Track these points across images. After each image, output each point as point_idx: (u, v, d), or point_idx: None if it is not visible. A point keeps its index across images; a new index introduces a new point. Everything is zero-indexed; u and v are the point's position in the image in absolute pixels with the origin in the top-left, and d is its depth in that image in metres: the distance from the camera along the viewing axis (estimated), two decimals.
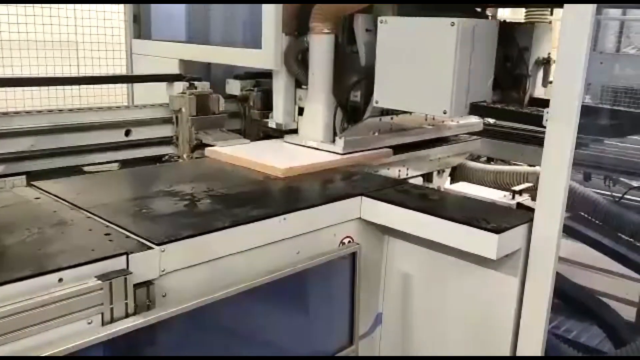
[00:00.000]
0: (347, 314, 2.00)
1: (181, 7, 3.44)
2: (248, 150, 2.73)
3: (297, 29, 2.85)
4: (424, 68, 2.40)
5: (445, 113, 2.38)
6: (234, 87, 3.66)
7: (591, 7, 1.71)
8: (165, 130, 3.11)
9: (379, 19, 2.39)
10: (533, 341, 1.92)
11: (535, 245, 1.93)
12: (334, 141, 2.75)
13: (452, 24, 2.20)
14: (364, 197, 2.21)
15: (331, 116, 2.83)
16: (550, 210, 1.89)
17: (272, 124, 3.04)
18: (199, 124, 3.03)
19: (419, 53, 2.37)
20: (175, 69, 3.56)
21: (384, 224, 2.16)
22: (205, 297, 1.58)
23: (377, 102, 2.58)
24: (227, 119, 3.08)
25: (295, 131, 3.04)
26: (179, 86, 3.20)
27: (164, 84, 3.50)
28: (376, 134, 2.87)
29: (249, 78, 3.41)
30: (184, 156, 3.04)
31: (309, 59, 2.81)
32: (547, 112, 1.90)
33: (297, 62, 2.90)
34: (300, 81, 2.95)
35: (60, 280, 1.41)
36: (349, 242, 2.17)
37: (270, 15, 2.89)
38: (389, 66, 2.52)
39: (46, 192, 2.00)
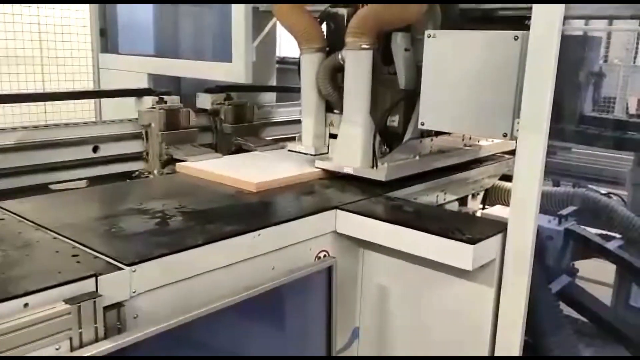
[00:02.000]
0: (324, 329, 2.07)
1: (149, 20, 3.71)
2: (220, 164, 2.78)
3: (323, 44, 2.87)
4: (480, 86, 2.33)
5: (505, 136, 2.29)
6: (204, 100, 3.74)
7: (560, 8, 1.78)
8: (135, 146, 3.28)
9: (427, 32, 2.35)
10: (510, 351, 2.01)
11: (510, 255, 2.01)
12: (374, 166, 2.70)
13: (516, 38, 2.14)
14: (338, 211, 2.27)
15: (370, 140, 2.71)
16: (523, 219, 1.96)
17: (299, 148, 3.00)
18: (169, 139, 3.19)
19: (474, 69, 2.29)
20: (144, 83, 3.93)
21: (359, 237, 2.24)
22: (178, 318, 1.60)
23: (422, 124, 2.51)
24: (198, 133, 3.29)
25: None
26: (149, 101, 3.53)
27: (132, 99, 3.62)
28: (417, 157, 2.84)
29: (220, 91, 3.76)
30: (155, 172, 3.38)
31: (345, 77, 2.72)
32: (518, 122, 1.98)
33: (330, 82, 2.84)
34: (330, 104, 2.93)
35: (26, 305, 1.43)
36: (325, 256, 2.24)
37: (240, 26, 3.25)
38: (438, 84, 2.44)
39: (10, 212, 2.06)
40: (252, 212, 2.23)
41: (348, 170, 2.78)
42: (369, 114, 2.74)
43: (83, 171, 2.98)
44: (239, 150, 3.24)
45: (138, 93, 3.40)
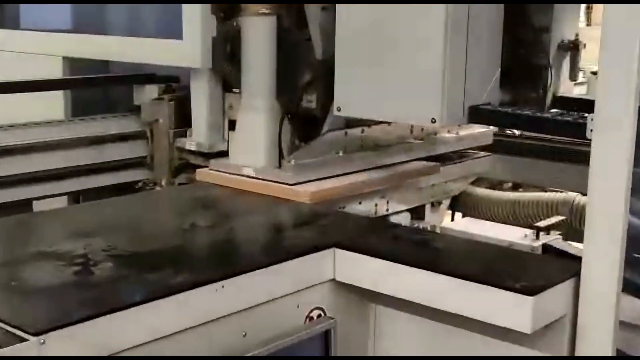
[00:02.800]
0: None
1: None
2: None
3: (223, 9, 2.65)
4: (403, 63, 2.25)
5: (434, 122, 2.21)
6: (147, 94, 3.21)
7: None
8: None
9: None
10: None
11: (587, 309, 1.63)
12: (280, 166, 2.64)
13: (439, 9, 2.06)
14: (337, 250, 1.99)
15: (276, 130, 2.62)
16: (604, 256, 1.59)
17: (190, 145, 2.87)
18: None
19: (396, 44, 2.21)
20: (57, 70, 3.15)
21: (369, 288, 1.93)
22: None
23: (338, 110, 2.44)
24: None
25: (225, 154, 2.87)
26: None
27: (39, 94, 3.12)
28: (340, 153, 2.76)
29: (166, 81, 3.16)
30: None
31: (242, 51, 2.63)
32: (592, 119, 1.63)
33: (226, 56, 2.68)
34: (229, 83, 2.80)
35: None
36: (320, 315, 1.90)
37: None
38: (354, 61, 2.36)
39: None
40: (213, 252, 2.11)
41: (247, 171, 2.68)
42: (274, 97, 2.65)
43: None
44: (185, 166, 3.02)
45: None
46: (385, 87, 2.36)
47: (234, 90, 2.86)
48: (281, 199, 2.60)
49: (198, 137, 2.93)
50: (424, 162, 3.06)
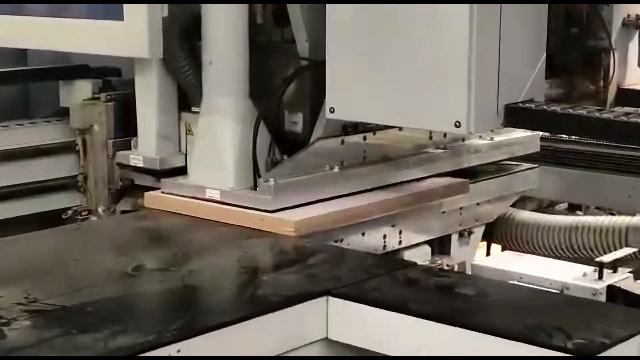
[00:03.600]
0: None
1: None
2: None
3: None
4: (415, 53, 2.40)
5: (458, 126, 2.34)
6: (78, 93, 3.30)
7: None
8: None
9: None
10: None
11: None
12: (255, 187, 2.76)
13: None
14: (331, 298, 2.07)
15: (249, 139, 2.78)
16: None
17: (135, 160, 3.03)
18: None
19: (405, 29, 2.38)
20: None
21: (373, 349, 2.00)
22: None
23: (331, 112, 2.58)
24: None
25: (182, 171, 3.00)
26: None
27: None
28: (336, 168, 2.87)
29: (97, 76, 3.35)
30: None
31: (202, 39, 2.79)
32: None
33: (182, 46, 2.84)
34: (184, 86, 2.98)
35: None
36: None
37: None
38: (352, 53, 2.51)
39: None
40: (168, 305, 2.17)
41: (212, 194, 2.79)
42: (247, 96, 2.79)
43: None
44: (129, 188, 3.13)
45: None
46: (394, 82, 2.47)
47: (193, 109, 2.99)
48: (257, 231, 2.64)
49: (146, 149, 3.02)
50: (449, 179, 3.10)
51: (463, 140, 3.22)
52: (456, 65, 2.36)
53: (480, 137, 3.27)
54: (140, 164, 3.02)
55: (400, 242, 2.96)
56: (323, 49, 2.64)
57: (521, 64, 2.50)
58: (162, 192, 2.92)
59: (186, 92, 3.03)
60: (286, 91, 2.87)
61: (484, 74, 2.38)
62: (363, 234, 2.85)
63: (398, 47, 2.46)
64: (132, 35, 2.83)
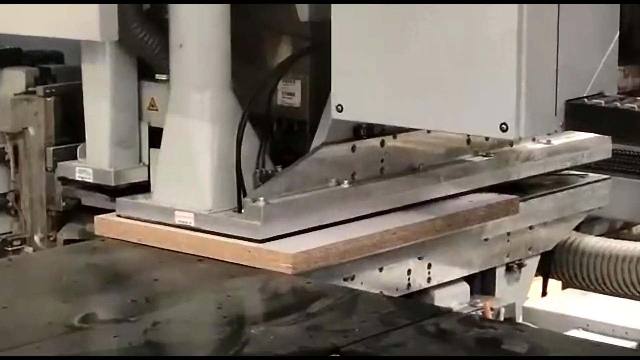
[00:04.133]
0: None
1: None
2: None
3: None
4: (450, 39, 2.42)
5: (505, 130, 2.35)
6: (7, 85, 3.27)
7: None
8: None
9: None
10: None
11: None
12: (240, 209, 2.74)
13: None
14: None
15: (232, 145, 2.78)
16: None
17: (82, 174, 3.00)
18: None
19: (438, 11, 2.40)
20: None
21: None
22: None
23: (339, 111, 2.61)
24: None
25: (144, 188, 2.99)
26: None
27: None
28: (345, 183, 2.85)
29: (34, 63, 3.31)
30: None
31: (171, 16, 2.80)
32: None
33: (143, 25, 2.88)
34: (150, 65, 2.99)
35: None
36: None
37: None
38: (367, 35, 2.55)
39: None
40: None
41: (184, 218, 2.76)
42: (228, 88, 2.77)
43: None
44: (75, 211, 3.10)
45: None
46: (422, 74, 2.49)
47: (158, 76, 2.95)
48: (243, 268, 2.62)
49: (97, 159, 3.01)
50: (492, 195, 3.06)
51: (511, 144, 3.17)
52: (502, 52, 2.36)
53: (534, 139, 3.23)
54: (89, 179, 3.00)
55: (429, 280, 2.94)
56: (328, 28, 2.62)
57: (587, 49, 2.49)
58: (118, 216, 2.89)
59: (150, 63, 3.01)
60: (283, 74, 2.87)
61: (538, 62, 2.37)
62: (381, 270, 2.83)
63: (427, 30, 2.45)
64: (79, 13, 2.81)
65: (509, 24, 2.33)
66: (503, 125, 2.35)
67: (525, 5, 2.31)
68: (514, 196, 3.06)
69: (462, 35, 2.42)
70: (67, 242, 3.06)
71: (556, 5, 2.38)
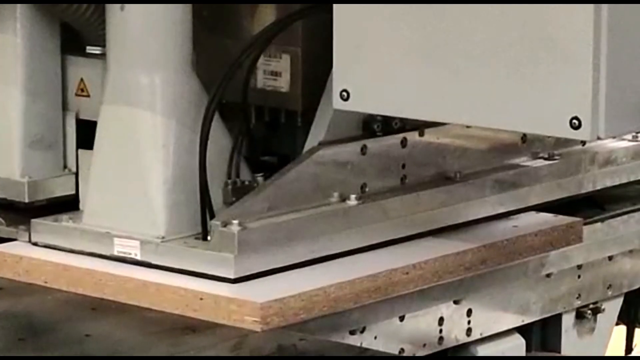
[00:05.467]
0: None
1: None
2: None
3: None
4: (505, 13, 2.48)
5: (577, 127, 2.40)
6: None
7: None
8: None
9: None
10: None
11: None
12: (205, 235, 2.80)
13: None
14: None
15: (193, 145, 2.84)
16: None
17: None
18: None
19: None
20: None
21: None
22: None
23: (344, 97, 2.63)
24: None
25: (69, 205, 3.04)
26: None
27: None
28: (352, 199, 2.89)
29: None
30: None
31: None
32: None
33: None
34: (81, 37, 3.10)
35: None
36: None
37: None
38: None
39: None
40: None
41: (127, 249, 2.82)
42: (189, 69, 2.87)
43: None
44: None
45: None
46: (460, 51, 2.54)
47: (90, 49, 3.05)
48: (198, 323, 2.64)
49: (2, 165, 3.04)
50: (558, 218, 3.10)
51: (583, 142, 3.23)
52: (575, 27, 2.39)
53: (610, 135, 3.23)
54: None
55: (469, 332, 2.97)
56: None
57: None
58: (33, 244, 2.91)
59: (78, 31, 3.09)
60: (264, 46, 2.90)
61: (623, 40, 2.42)
62: (402, 319, 2.86)
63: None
64: None
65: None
66: (574, 121, 2.37)
67: None
68: (577, 219, 3.08)
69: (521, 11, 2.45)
70: None
71: None
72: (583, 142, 3.23)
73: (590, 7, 2.34)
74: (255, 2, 2.99)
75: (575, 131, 2.39)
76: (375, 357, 2.63)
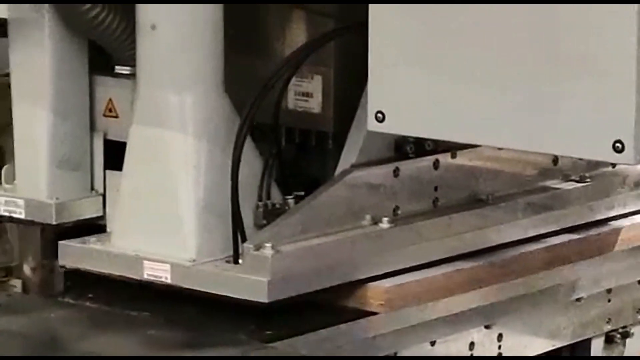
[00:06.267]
0: None
1: None
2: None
3: None
4: (539, 23, 2.48)
5: (620, 151, 2.36)
6: None
7: None
8: None
9: None
10: None
11: None
12: (237, 258, 2.77)
13: None
14: None
15: (225, 168, 2.82)
16: None
17: (8, 207, 3.06)
18: None
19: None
20: None
21: None
22: None
23: (379, 119, 2.62)
24: None
25: (96, 229, 3.03)
26: None
27: None
28: (384, 221, 2.89)
29: None
30: None
31: None
32: None
33: None
34: (110, 56, 3.08)
35: None
36: None
37: None
38: (419, 14, 2.57)
39: None
40: None
41: (157, 272, 2.81)
42: (221, 90, 2.86)
43: None
44: None
45: None
46: (498, 74, 2.53)
47: (119, 69, 3.02)
48: None
49: (29, 186, 3.04)
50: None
51: (613, 165, 3.21)
52: (617, 45, 2.38)
53: None
54: (19, 214, 3.03)
55: (500, 356, 2.95)
56: (359, 6, 2.64)
57: None
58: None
59: (107, 50, 3.05)
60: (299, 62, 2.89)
61: None
62: (432, 344, 2.86)
63: (514, 18, 2.49)
64: None
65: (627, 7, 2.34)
66: (617, 144, 2.35)
67: None
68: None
69: (557, 21, 2.43)
70: None
71: None
72: (613, 165, 3.22)
73: (633, 25, 2.32)
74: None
75: (618, 155, 2.36)
76: None
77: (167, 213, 2.83)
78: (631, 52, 2.36)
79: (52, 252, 3.05)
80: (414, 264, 2.88)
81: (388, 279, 2.85)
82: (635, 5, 2.37)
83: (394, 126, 2.65)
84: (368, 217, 2.85)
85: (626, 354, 3.25)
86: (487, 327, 2.93)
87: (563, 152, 2.75)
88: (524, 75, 2.51)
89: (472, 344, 2.90)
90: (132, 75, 2.96)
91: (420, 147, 2.92)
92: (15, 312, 2.92)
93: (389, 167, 2.87)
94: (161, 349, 2.59)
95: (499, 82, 2.53)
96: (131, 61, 2.95)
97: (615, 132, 2.37)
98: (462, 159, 2.99)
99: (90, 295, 2.95)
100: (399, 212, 2.89)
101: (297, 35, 2.98)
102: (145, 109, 2.87)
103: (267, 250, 2.67)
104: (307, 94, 2.94)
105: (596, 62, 2.42)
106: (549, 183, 3.15)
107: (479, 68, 2.54)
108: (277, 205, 2.87)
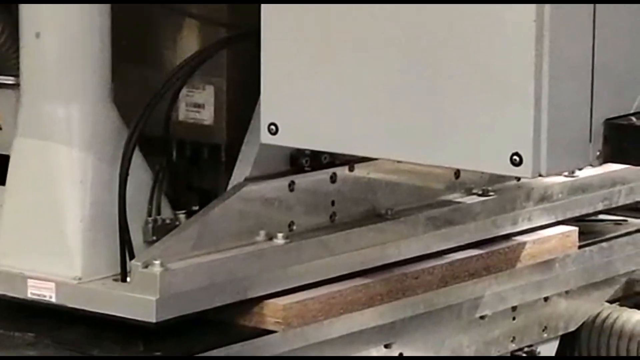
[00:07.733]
0: None
1: None
2: None
3: None
4: (438, 37, 2.50)
5: (518, 164, 2.38)
6: None
7: None
8: None
9: None
10: None
11: None
12: (125, 277, 2.77)
13: None
14: None
15: (112, 181, 2.82)
16: None
17: None
18: None
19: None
20: None
21: None
22: None
23: (272, 132, 2.65)
24: None
25: None
26: None
27: None
28: (279, 237, 2.89)
29: None
30: None
31: None
32: None
33: None
34: None
35: None
36: None
37: None
38: (315, 22, 2.59)
39: None
40: None
41: (41, 292, 2.76)
42: (108, 101, 2.84)
43: None
44: None
45: None
46: (394, 86, 2.53)
47: (1, 78, 3.00)
48: None
49: None
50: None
51: (518, 179, 3.21)
52: (514, 50, 2.39)
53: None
54: None
55: (506, 355, 3.02)
56: (255, 8, 2.62)
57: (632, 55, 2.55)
58: None
59: None
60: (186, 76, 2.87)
61: (565, 70, 2.42)
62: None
63: (408, 31, 2.48)
64: None
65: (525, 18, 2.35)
66: (515, 157, 2.36)
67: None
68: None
69: (455, 31, 2.43)
70: None
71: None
72: (518, 178, 3.22)
73: (531, 40, 2.33)
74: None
75: (516, 168, 2.36)
76: None
77: (51, 229, 2.78)
78: (529, 63, 2.38)
79: None
80: (311, 280, 2.85)
81: (286, 296, 2.81)
82: (533, 16, 2.37)
83: (288, 138, 2.65)
84: (262, 232, 2.84)
85: None
86: (386, 346, 2.92)
87: (461, 165, 2.73)
88: (422, 87, 2.51)
89: None
90: (16, 86, 2.90)
91: (316, 160, 2.90)
92: None
93: (284, 181, 2.86)
94: None
95: (396, 93, 2.52)
96: (15, 70, 2.90)
97: (512, 145, 2.38)
98: (361, 172, 2.97)
99: None
100: (295, 227, 2.87)
101: (188, 44, 2.96)
102: (30, 121, 2.83)
103: (156, 268, 2.64)
104: (199, 104, 2.92)
105: (494, 74, 2.44)
106: (451, 197, 3.15)
107: (376, 79, 2.54)
108: (168, 221, 2.85)
